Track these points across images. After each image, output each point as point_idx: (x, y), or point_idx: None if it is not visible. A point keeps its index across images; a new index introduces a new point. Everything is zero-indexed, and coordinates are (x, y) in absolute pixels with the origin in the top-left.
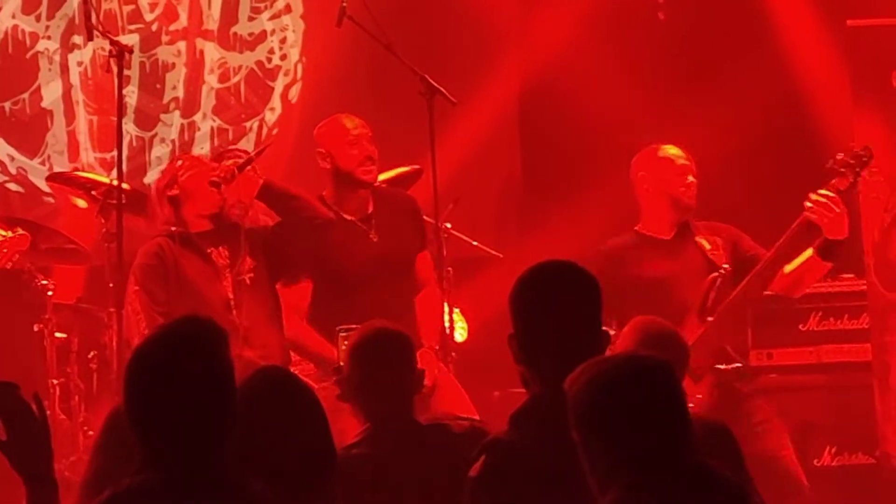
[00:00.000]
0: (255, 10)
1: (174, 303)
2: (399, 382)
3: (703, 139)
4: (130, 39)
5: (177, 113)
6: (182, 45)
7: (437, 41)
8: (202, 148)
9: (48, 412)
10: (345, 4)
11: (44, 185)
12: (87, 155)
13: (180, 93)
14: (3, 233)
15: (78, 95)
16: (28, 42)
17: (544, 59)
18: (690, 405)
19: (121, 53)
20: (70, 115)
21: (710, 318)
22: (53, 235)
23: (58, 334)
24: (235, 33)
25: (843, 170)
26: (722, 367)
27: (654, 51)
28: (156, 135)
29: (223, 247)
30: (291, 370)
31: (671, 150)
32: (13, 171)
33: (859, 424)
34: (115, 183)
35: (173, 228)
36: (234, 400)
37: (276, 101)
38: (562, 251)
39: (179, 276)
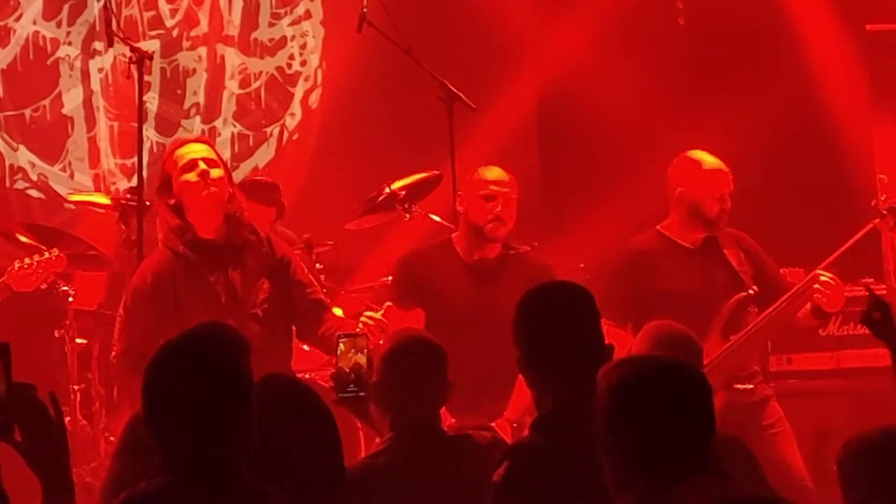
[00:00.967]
0: (276, 16)
1: (167, 328)
2: (429, 392)
3: (721, 144)
4: (151, 45)
5: (197, 118)
6: (203, 50)
7: (457, 47)
8: (223, 154)
9: (69, 418)
10: (365, 10)
11: (64, 192)
12: (108, 161)
13: (201, 98)
14: (39, 256)
15: (99, 101)
16: (49, 48)
17: (563, 64)
18: None
19: (141, 59)
20: (91, 122)
21: (732, 337)
22: (74, 242)
23: (79, 340)
24: (256, 39)
25: (884, 212)
26: (739, 387)
27: (673, 56)
28: None
29: (235, 271)
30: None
31: (711, 166)
32: (34, 177)
33: None
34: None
35: (180, 248)
36: (251, 407)
37: (296, 107)
38: (579, 255)
39: (178, 300)
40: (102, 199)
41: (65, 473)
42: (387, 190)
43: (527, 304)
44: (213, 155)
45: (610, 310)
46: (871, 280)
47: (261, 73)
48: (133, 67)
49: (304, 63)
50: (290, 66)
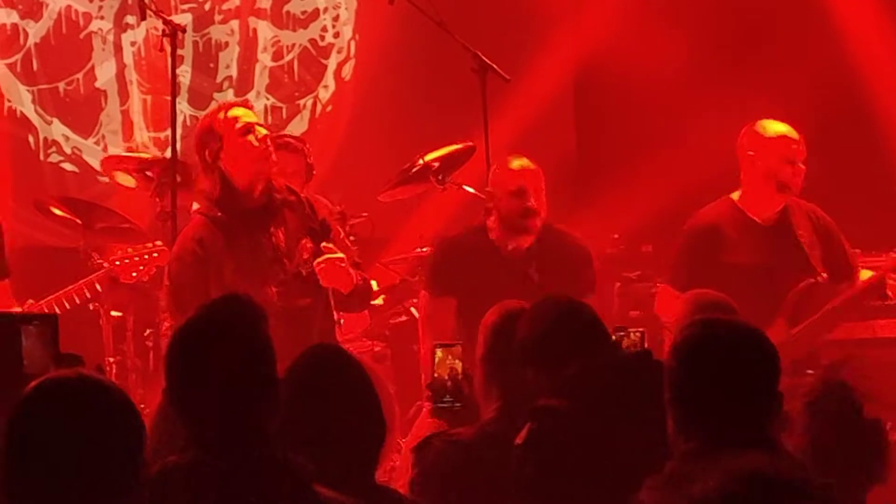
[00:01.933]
0: None
1: (214, 295)
2: None
3: (758, 115)
4: (183, 19)
5: (230, 91)
6: (235, 23)
7: (491, 17)
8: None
9: None
10: None
11: (98, 165)
12: (141, 134)
13: (234, 71)
14: (144, 249)
15: (131, 75)
16: (81, 22)
17: (599, 36)
18: None
19: (174, 33)
20: (124, 95)
21: (795, 330)
22: (108, 215)
23: (113, 313)
24: (288, 11)
25: None
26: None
27: (710, 27)
28: None
29: (279, 230)
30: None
31: (782, 131)
32: (68, 150)
33: None
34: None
35: (219, 214)
36: (275, 377)
37: (329, 79)
38: (614, 226)
39: (222, 266)
40: (143, 155)
41: None
42: (420, 161)
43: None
44: (260, 121)
45: (674, 276)
46: None
47: (293, 45)
48: (166, 41)
49: (336, 35)
50: (322, 38)
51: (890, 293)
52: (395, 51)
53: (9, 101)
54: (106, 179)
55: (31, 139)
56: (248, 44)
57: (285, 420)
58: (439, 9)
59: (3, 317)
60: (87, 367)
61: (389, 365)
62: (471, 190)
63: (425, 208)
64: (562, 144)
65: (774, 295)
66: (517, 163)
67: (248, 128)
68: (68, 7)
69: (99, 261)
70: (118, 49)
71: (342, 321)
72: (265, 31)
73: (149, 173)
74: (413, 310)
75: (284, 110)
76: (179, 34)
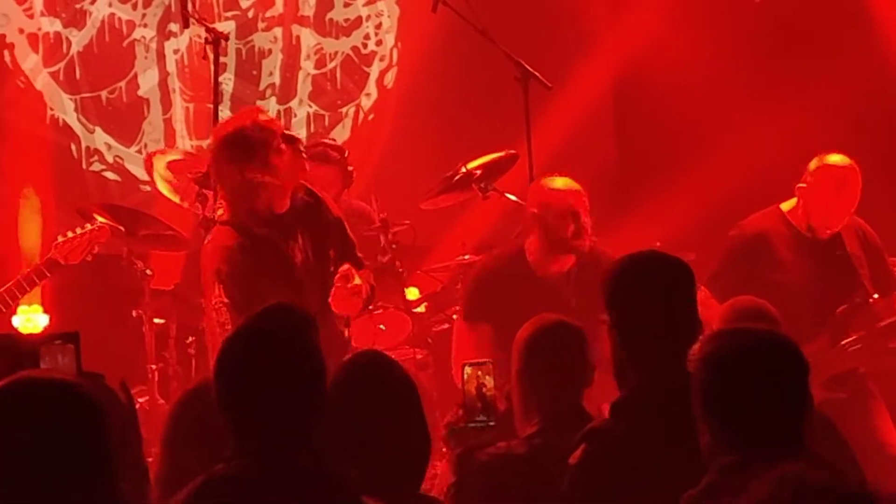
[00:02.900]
0: None
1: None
2: (574, 374)
3: (796, 123)
4: (226, 26)
5: (273, 99)
6: (278, 31)
7: (532, 26)
8: (298, 134)
9: (147, 397)
10: None
11: (140, 174)
12: (184, 142)
13: (276, 79)
14: (82, 229)
15: (174, 83)
16: (125, 30)
17: (639, 43)
18: None
19: (217, 40)
20: (166, 103)
21: (841, 344)
22: (151, 222)
23: (156, 320)
24: (331, 19)
25: None
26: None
27: (749, 35)
28: None
29: (306, 238)
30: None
31: (839, 168)
32: (110, 159)
33: None
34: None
35: (248, 224)
36: (323, 387)
37: (371, 87)
38: (655, 234)
39: (252, 276)
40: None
41: (138, 459)
42: (463, 169)
43: (625, 270)
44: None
45: (717, 285)
46: None
47: (336, 53)
48: (209, 48)
49: (379, 43)
50: (365, 45)
51: None
52: (437, 59)
53: (51, 109)
54: (148, 188)
55: (73, 148)
56: (291, 51)
57: (331, 429)
58: (481, 17)
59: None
60: (109, 383)
61: (431, 372)
62: (513, 198)
63: (467, 216)
64: (602, 152)
65: (821, 310)
66: (562, 182)
67: (284, 138)
68: (111, 15)
69: (142, 268)
70: (161, 57)
71: (383, 326)
72: (308, 38)
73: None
74: (455, 318)
75: (327, 118)
76: (222, 42)
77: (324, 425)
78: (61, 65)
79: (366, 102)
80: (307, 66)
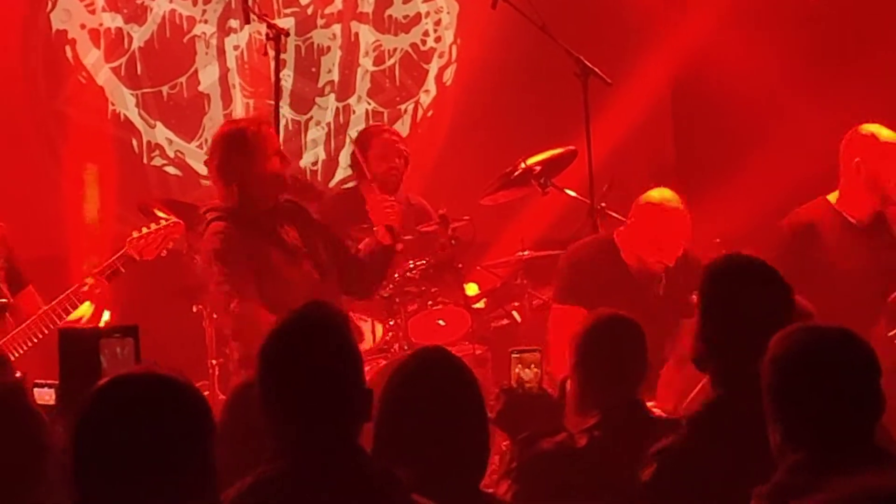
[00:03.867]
0: None
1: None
2: (632, 369)
3: (854, 119)
4: (286, 23)
5: (332, 96)
6: (337, 28)
7: (591, 22)
8: (357, 131)
9: (208, 392)
10: None
11: (201, 168)
12: None
13: (335, 76)
14: (157, 224)
15: (234, 79)
16: (185, 26)
17: (697, 40)
18: None
19: (277, 37)
20: (227, 99)
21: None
22: None
23: (216, 315)
24: (390, 16)
25: None
26: None
27: (806, 32)
28: (311, 118)
29: (292, 229)
30: None
31: (893, 139)
32: (171, 154)
33: None
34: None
35: (235, 215)
36: (364, 386)
37: (430, 84)
38: (714, 231)
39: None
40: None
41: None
42: (522, 165)
43: (720, 277)
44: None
45: None
46: None
47: (395, 49)
48: (269, 45)
49: (438, 39)
50: (424, 42)
51: None
52: (496, 55)
53: (113, 104)
54: (208, 183)
55: (134, 143)
56: (350, 48)
57: (392, 424)
58: (540, 13)
59: (81, 332)
60: None
61: (490, 368)
62: (573, 194)
63: (527, 212)
64: (661, 149)
65: (872, 297)
66: (666, 193)
67: (278, 150)
68: (172, 11)
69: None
70: (221, 53)
71: (442, 321)
72: (367, 35)
73: None
74: (515, 313)
75: (386, 115)
76: (283, 38)
77: (382, 421)
78: (122, 60)
79: (425, 99)
80: (366, 63)
